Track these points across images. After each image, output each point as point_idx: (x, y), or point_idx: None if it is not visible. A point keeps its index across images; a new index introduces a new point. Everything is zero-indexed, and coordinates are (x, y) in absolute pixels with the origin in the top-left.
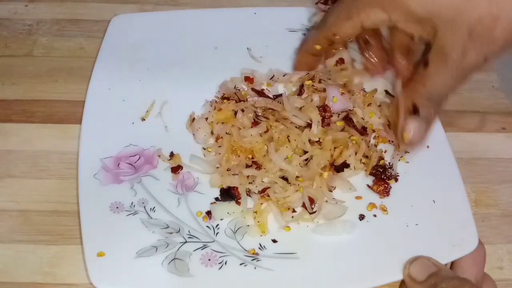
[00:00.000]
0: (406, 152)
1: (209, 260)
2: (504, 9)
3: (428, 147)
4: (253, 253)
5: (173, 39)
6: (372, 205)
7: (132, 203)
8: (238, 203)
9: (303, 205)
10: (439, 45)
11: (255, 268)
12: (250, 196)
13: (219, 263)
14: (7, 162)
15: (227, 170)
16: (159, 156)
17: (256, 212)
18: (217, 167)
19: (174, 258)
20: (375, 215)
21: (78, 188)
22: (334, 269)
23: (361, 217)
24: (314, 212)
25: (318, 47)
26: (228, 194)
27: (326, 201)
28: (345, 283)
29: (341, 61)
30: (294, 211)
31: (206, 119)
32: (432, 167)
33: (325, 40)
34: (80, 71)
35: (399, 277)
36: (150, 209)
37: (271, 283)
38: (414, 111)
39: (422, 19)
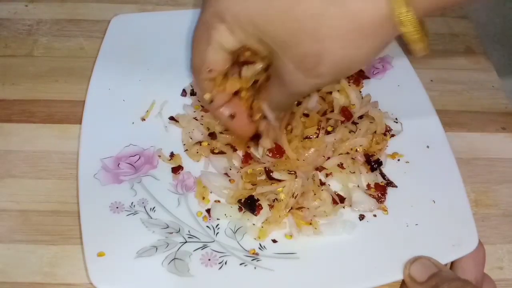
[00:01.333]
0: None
1: (209, 260)
2: (326, 48)
3: (428, 147)
4: (253, 253)
5: (173, 39)
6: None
7: (132, 203)
8: (255, 214)
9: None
10: (275, 66)
11: (255, 268)
12: (272, 208)
13: (219, 263)
14: (7, 162)
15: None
16: (159, 156)
17: (267, 220)
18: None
19: (174, 258)
20: (375, 215)
21: (78, 188)
22: (334, 269)
23: (361, 217)
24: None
25: (208, 98)
26: (250, 205)
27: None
28: (345, 283)
29: None
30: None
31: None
32: (432, 167)
33: (207, 84)
34: (80, 71)
35: (399, 277)
36: (150, 209)
37: (271, 283)
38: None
39: (262, 42)
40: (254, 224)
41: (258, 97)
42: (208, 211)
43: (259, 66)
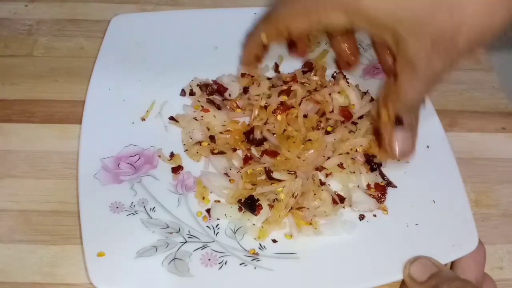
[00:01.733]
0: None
1: (209, 260)
2: (466, 22)
3: (428, 147)
4: (253, 253)
5: (173, 39)
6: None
7: (132, 203)
8: (255, 214)
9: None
10: (404, 54)
11: (255, 268)
12: (272, 208)
13: (219, 263)
14: (7, 162)
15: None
16: (159, 156)
17: (267, 220)
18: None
19: (174, 258)
20: (375, 215)
21: (78, 188)
22: (334, 269)
23: (361, 217)
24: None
25: (264, 38)
26: (250, 205)
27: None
28: (345, 283)
29: (308, 65)
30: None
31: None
32: (432, 167)
33: (274, 32)
34: (80, 71)
35: (399, 277)
36: (150, 209)
37: (271, 283)
38: (397, 122)
39: (385, 27)
40: (254, 224)
41: (387, 106)
42: (208, 211)
43: None
